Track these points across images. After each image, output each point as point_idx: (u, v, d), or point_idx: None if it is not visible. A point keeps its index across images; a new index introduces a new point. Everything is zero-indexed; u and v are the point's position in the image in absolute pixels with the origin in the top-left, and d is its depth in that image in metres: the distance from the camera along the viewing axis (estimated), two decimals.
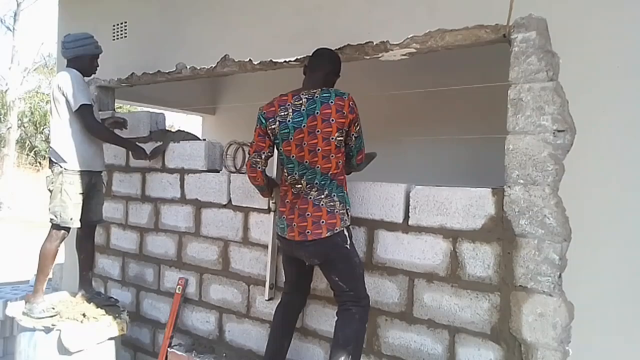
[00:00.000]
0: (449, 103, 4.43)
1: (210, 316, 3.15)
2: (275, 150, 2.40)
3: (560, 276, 1.96)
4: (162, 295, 3.45)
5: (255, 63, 2.99)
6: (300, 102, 2.26)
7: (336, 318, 2.29)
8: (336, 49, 2.59)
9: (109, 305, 3.26)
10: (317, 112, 2.21)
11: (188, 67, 3.35)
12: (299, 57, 2.79)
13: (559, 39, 2.00)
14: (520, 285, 2.04)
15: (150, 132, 3.57)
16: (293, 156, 2.27)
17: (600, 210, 1.91)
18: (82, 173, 3.06)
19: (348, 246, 2.25)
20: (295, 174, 2.29)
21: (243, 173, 3.11)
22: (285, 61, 2.86)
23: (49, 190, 3.06)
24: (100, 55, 3.21)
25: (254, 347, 2.91)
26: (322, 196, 2.24)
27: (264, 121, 2.34)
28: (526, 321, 2.02)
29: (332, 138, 2.20)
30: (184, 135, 3.45)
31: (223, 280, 3.09)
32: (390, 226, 2.41)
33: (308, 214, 2.25)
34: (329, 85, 2.35)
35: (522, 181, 2.05)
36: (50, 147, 3.08)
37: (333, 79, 2.43)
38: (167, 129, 3.69)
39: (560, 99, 1.98)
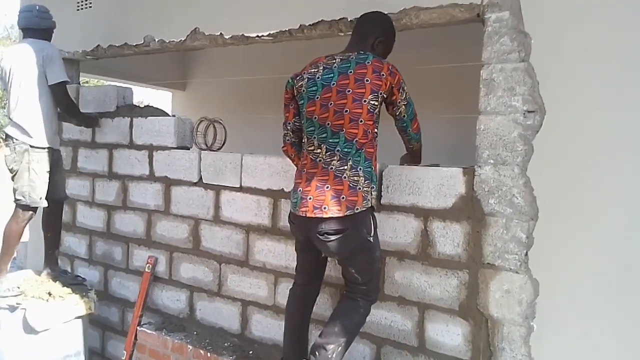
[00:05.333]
0: (424, 81, 4.44)
1: (180, 295, 3.12)
2: None
3: (526, 254, 2.01)
4: (131, 274, 3.39)
5: (227, 37, 2.91)
6: (334, 61, 2.05)
7: (339, 300, 2.15)
8: (309, 25, 2.55)
9: (76, 284, 3.22)
10: (351, 71, 1.98)
11: (156, 39, 3.24)
12: (272, 32, 2.72)
13: (531, 20, 2.01)
14: (488, 263, 2.08)
15: (117, 107, 3.45)
16: (315, 117, 2.03)
17: (566, 190, 1.95)
18: (47, 150, 2.97)
19: (372, 239, 2.01)
20: (314, 138, 2.04)
21: (214, 150, 3.06)
22: (257, 36, 2.79)
23: (11, 170, 2.95)
24: None
25: (226, 325, 2.91)
26: (346, 167, 1.96)
27: (290, 81, 2.13)
28: (493, 298, 2.07)
29: (365, 100, 1.95)
30: (152, 111, 3.36)
31: (194, 258, 3.06)
32: None
33: (327, 187, 1.96)
34: (369, 51, 2.07)
35: (492, 161, 2.08)
36: (13, 121, 2.95)
37: (376, 46, 2.13)
38: (135, 104, 3.58)
39: (531, 79, 2.00)
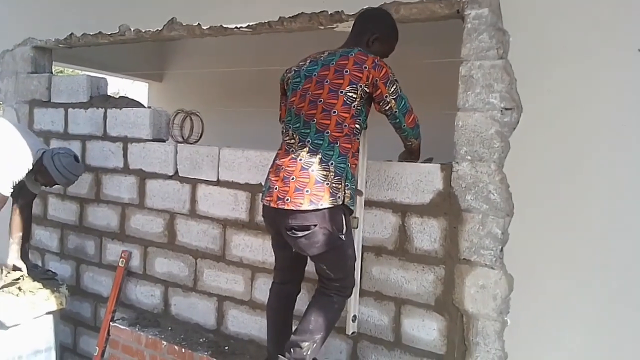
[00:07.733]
0: (402, 78, 4.45)
1: (155, 290, 3.07)
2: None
3: (502, 250, 2.03)
4: (104, 269, 3.32)
5: (205, 28, 2.86)
6: (322, 55, 2.06)
7: (313, 295, 2.08)
8: (289, 17, 2.52)
9: (47, 278, 3.14)
10: (333, 63, 1.96)
11: (132, 29, 3.16)
12: (250, 24, 2.68)
13: (510, 17, 2.02)
14: (464, 259, 2.10)
15: (90, 98, 3.37)
16: (293, 107, 2.02)
17: (542, 187, 1.98)
18: None
19: (344, 236, 1.93)
20: (290, 128, 2.03)
21: (191, 143, 3.01)
22: (236, 27, 2.75)
23: None
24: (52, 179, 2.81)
25: (201, 320, 2.87)
26: (314, 160, 1.88)
27: (282, 75, 2.16)
28: (468, 293, 2.09)
29: (342, 92, 1.90)
30: (127, 102, 3.28)
31: (169, 253, 3.01)
32: None
33: (293, 178, 1.89)
34: (363, 47, 2.02)
35: (469, 157, 2.09)
36: None
37: (372, 43, 2.07)
38: (109, 94, 3.49)
39: (509, 77, 2.01)
